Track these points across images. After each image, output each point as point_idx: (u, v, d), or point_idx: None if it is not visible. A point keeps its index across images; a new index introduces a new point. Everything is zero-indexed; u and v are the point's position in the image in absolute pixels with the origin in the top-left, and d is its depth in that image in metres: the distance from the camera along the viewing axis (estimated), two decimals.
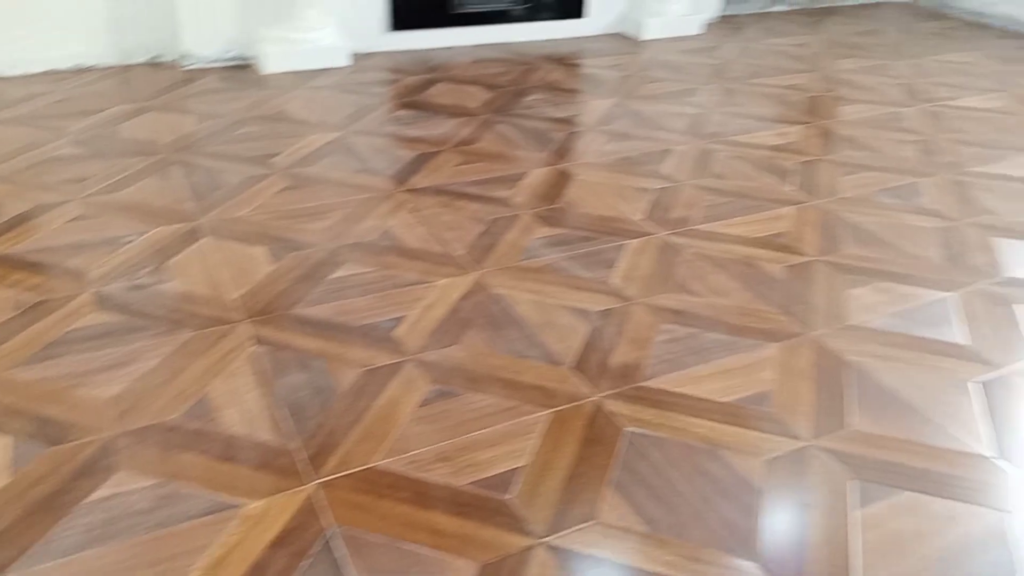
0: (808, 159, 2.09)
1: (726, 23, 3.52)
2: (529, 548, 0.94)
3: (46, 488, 0.97)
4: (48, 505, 0.95)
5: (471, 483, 1.03)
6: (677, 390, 1.22)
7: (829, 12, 3.85)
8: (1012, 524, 1.01)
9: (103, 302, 1.36)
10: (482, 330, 1.34)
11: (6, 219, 1.62)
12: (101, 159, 1.92)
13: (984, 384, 1.26)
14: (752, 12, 3.72)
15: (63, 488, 0.98)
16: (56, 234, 1.57)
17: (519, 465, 1.06)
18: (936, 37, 3.45)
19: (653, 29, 3.17)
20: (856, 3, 4.00)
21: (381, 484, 1.02)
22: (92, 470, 1.00)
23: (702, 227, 1.71)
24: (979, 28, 3.61)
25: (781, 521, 1.00)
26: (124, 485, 0.98)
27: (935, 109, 2.51)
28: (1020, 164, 2.11)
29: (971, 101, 2.60)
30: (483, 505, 1.00)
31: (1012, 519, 1.01)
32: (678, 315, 1.40)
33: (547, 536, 0.96)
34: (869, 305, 1.46)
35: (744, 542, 0.97)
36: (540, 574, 0.91)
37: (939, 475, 1.08)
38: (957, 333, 1.39)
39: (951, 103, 2.57)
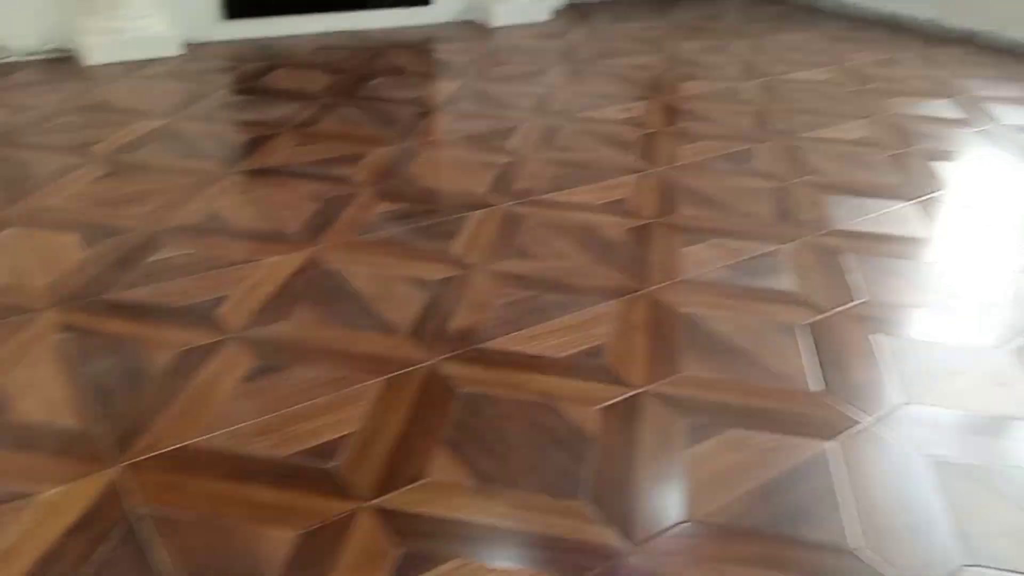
0: (649, 131, 2.13)
1: (574, 10, 3.57)
2: (352, 512, 0.89)
3: None
4: None
5: (293, 454, 0.97)
6: (513, 349, 1.20)
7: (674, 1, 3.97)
8: (834, 452, 1.04)
9: None
10: (314, 305, 1.28)
11: None
12: None
13: (811, 326, 1.30)
14: (599, 0, 3.79)
15: None
16: None
17: (346, 433, 1.01)
18: (773, 20, 3.61)
19: (501, 16, 3.17)
20: None
21: (195, 462, 0.95)
22: None
23: (545, 197, 1.71)
24: (812, 11, 3.81)
25: (613, 465, 0.99)
26: None
27: (770, 83, 2.62)
28: (846, 129, 2.22)
29: (803, 75, 2.73)
30: (305, 474, 0.94)
31: (834, 447, 1.05)
32: (518, 279, 1.39)
33: (372, 499, 0.91)
34: (703, 260, 1.49)
35: (575, 487, 0.95)
36: (364, 537, 0.87)
37: (766, 411, 1.10)
38: (785, 281, 1.44)
39: (785, 77, 2.69)
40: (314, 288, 1.33)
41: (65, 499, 0.88)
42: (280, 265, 1.38)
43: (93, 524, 0.86)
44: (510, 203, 1.67)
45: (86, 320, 1.20)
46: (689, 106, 2.36)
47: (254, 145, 1.90)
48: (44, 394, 1.04)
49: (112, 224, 1.48)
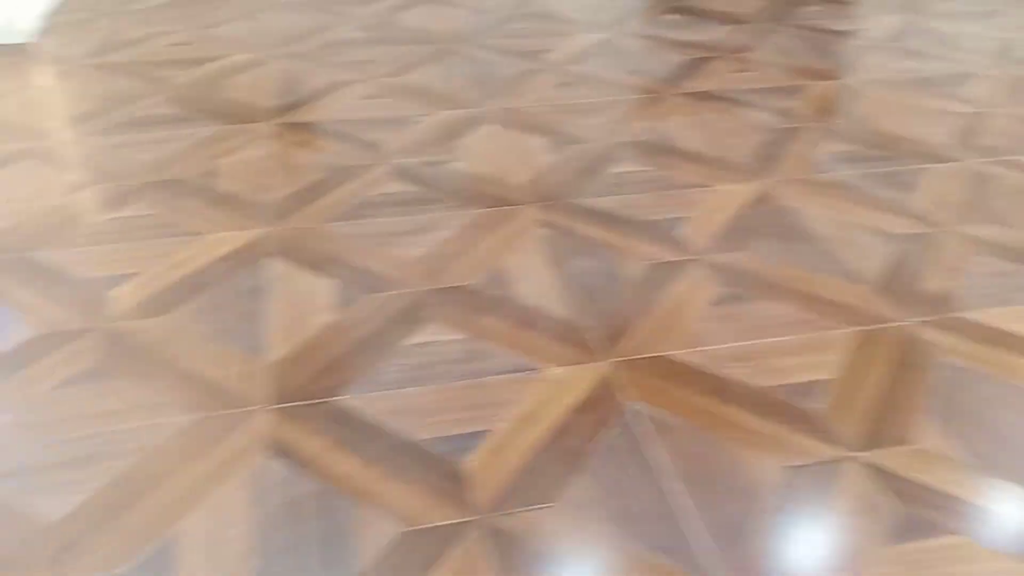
0: None
1: None
2: (840, 459, 0.88)
3: (369, 328, 1.04)
4: (371, 343, 1.01)
5: (771, 387, 0.98)
6: (1000, 326, 1.09)
7: None
8: None
9: (400, 173, 1.42)
10: (770, 240, 1.27)
11: (308, 92, 1.73)
12: (385, 44, 2.00)
13: None
14: None
15: (383, 330, 1.04)
16: (352, 109, 1.66)
17: (823, 378, 1.00)
18: None
19: None
20: None
21: (676, 372, 1.00)
22: (408, 318, 1.06)
23: (1021, 159, 1.52)
24: None
25: None
26: (437, 335, 1.03)
27: None
28: None
29: None
30: (786, 410, 0.95)
31: None
32: (998, 248, 1.26)
33: (860, 451, 0.90)
34: None
35: None
36: (853, 487, 0.85)
37: None
38: None
39: None
40: (769, 223, 1.31)
41: (568, 380, 0.97)
42: (733, 194, 1.38)
43: (594, 409, 0.94)
44: (978, 160, 1.50)
45: (563, 220, 1.29)
46: None
47: (692, 67, 1.90)
48: (536, 281, 1.15)
49: (572, 132, 1.58)
